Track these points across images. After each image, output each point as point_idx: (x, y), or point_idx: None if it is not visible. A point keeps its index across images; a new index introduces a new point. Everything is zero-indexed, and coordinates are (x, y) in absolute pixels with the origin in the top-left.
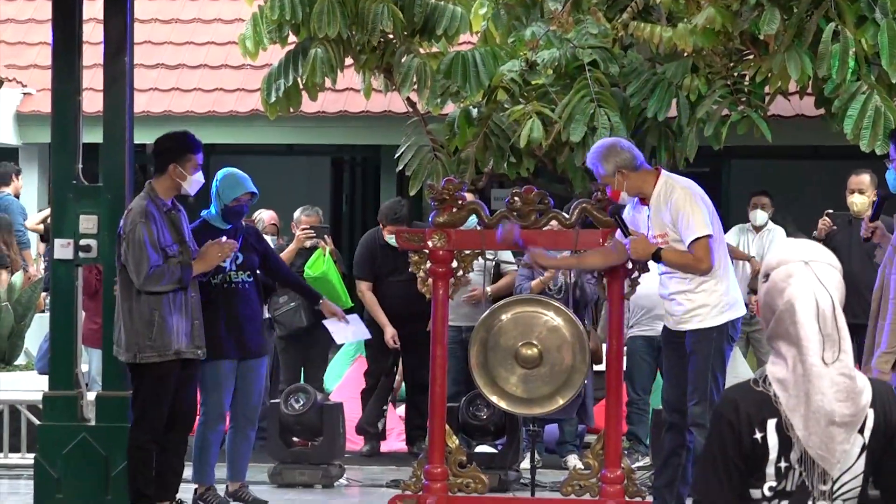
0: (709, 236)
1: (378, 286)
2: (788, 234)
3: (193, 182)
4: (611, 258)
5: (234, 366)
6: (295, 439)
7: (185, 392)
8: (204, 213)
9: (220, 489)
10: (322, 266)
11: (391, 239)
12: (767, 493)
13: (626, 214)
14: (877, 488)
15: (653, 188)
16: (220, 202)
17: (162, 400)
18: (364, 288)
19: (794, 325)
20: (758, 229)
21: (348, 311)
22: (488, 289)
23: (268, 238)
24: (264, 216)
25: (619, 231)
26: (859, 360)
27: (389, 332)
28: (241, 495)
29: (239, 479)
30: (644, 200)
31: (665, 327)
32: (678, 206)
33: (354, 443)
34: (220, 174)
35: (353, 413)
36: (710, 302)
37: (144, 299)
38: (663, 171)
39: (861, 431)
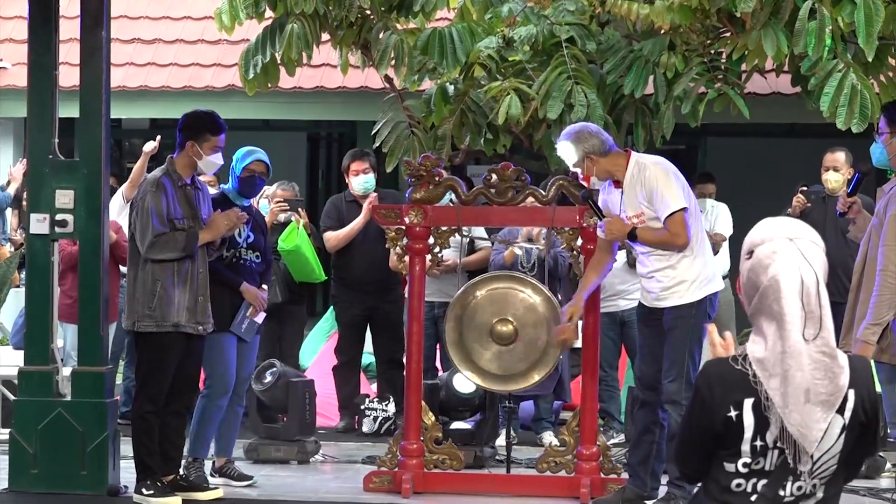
0: (684, 209)
1: (343, 255)
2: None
3: (209, 162)
4: (602, 263)
5: (236, 340)
6: (280, 415)
7: (183, 367)
8: (223, 186)
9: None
10: (295, 239)
11: (356, 182)
12: (742, 470)
13: (599, 198)
14: (845, 463)
15: (624, 171)
16: (235, 175)
17: (161, 371)
18: (330, 235)
19: (778, 301)
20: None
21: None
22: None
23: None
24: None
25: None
26: (837, 338)
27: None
28: (227, 471)
29: (225, 454)
30: (617, 183)
31: (641, 304)
32: (652, 182)
33: (330, 419)
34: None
35: (326, 389)
36: (689, 277)
37: (150, 269)
38: (633, 153)
39: (841, 412)
